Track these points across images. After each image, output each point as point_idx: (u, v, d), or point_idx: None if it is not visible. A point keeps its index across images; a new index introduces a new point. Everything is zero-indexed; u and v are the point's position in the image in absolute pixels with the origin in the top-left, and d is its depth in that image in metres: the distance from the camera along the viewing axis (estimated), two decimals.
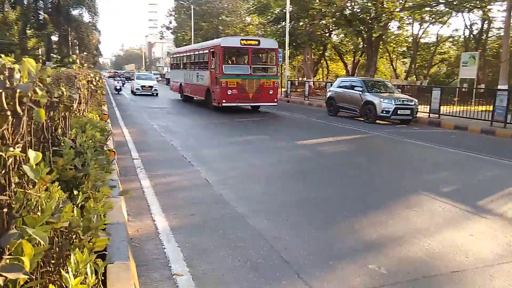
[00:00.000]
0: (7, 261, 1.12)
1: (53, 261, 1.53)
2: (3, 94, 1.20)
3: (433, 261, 3.72)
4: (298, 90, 30.97)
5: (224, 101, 16.11)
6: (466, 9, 26.59)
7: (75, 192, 2.06)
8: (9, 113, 1.26)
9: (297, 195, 5.77)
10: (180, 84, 22.68)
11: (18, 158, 1.32)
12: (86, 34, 31.88)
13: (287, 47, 27.41)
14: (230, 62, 17.99)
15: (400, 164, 8.32)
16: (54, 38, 30.26)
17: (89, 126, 3.58)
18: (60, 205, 1.48)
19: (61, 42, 30.23)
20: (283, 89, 28.51)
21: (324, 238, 4.23)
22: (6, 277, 1.11)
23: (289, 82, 27.53)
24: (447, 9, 27.36)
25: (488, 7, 25.85)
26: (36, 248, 1.23)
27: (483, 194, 5.97)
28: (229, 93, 16.08)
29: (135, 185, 5.96)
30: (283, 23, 30.92)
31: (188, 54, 21.82)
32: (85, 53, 35.06)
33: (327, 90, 19.30)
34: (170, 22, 58.09)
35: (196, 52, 20.02)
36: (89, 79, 7.44)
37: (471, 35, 31.64)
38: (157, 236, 4.17)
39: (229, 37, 23.61)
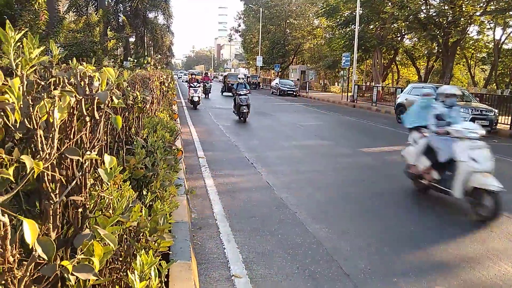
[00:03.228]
0: (79, 260, 1.19)
1: (120, 259, 1.61)
2: (83, 101, 1.27)
3: None
4: (365, 95, 30.07)
5: None
6: None
7: (144, 192, 2.15)
8: (87, 118, 1.34)
9: (359, 205, 5.58)
10: None
11: (93, 161, 1.40)
12: (160, 36, 33.47)
13: (355, 51, 26.74)
14: None
15: None
16: (131, 39, 32.20)
17: (160, 127, 3.74)
18: (130, 205, 1.55)
19: (138, 43, 32.07)
20: (349, 94, 27.84)
21: (387, 252, 4.04)
22: (77, 277, 1.18)
23: (356, 86, 26.82)
24: None
25: None
26: (105, 247, 1.29)
27: None
28: None
29: (199, 184, 6.14)
30: (352, 26, 30.22)
31: None
32: (159, 56, 36.80)
33: (397, 97, 18.52)
34: (239, 25, 59.39)
35: None
36: (162, 80, 7.79)
37: None
38: (218, 235, 4.25)
39: None
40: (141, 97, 2.50)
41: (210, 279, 3.30)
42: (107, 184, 1.45)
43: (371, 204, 5.64)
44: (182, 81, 50.73)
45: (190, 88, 18.29)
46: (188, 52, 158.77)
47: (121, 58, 28.43)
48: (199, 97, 18.27)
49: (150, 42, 35.38)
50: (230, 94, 26.48)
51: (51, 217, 1.22)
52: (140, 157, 2.39)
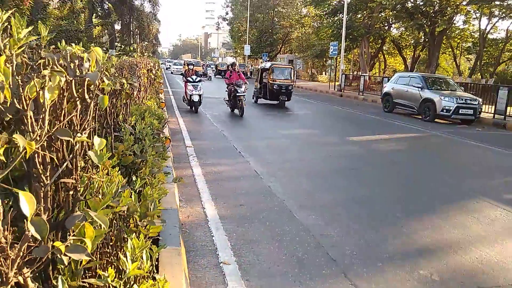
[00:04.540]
0: (71, 242, 1.20)
1: (111, 243, 1.62)
2: (73, 82, 1.27)
3: (491, 272, 3.51)
4: (352, 84, 30.21)
5: None
6: None
7: (134, 178, 2.16)
8: (77, 100, 1.33)
9: (346, 193, 5.66)
10: None
11: (83, 144, 1.40)
12: (146, 24, 33.03)
13: (343, 40, 26.78)
14: None
15: (459, 166, 7.89)
16: (117, 27, 31.70)
17: (147, 114, 3.73)
18: (120, 190, 1.56)
19: (124, 31, 31.61)
20: (336, 83, 27.95)
21: (373, 238, 4.12)
22: (70, 257, 1.19)
23: (343, 75, 26.93)
24: None
25: None
26: (96, 230, 1.30)
27: None
28: None
29: (187, 172, 6.14)
30: (340, 15, 30.18)
31: None
32: (145, 42, 36.26)
33: (383, 86, 18.66)
34: (227, 13, 58.95)
35: None
36: (149, 67, 7.71)
37: None
38: (206, 223, 4.27)
39: None
40: (128, 83, 2.49)
41: (198, 266, 3.33)
42: (97, 167, 1.46)
43: (357, 191, 5.73)
44: (172, 72, 42.80)
45: (188, 84, 13.54)
46: (175, 41, 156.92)
47: (107, 45, 27.99)
48: (200, 95, 13.32)
49: (136, 30, 34.90)
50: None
51: (42, 199, 1.23)
52: (128, 144, 2.39)
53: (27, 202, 1.02)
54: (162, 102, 8.89)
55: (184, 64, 39.23)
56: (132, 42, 31.35)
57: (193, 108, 13.52)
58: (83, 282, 1.40)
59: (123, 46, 29.02)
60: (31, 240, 1.08)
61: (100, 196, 1.49)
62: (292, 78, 16.71)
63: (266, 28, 48.92)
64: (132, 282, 1.52)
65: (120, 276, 1.48)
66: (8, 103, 1.10)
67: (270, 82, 15.83)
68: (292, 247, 3.81)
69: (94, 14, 27.16)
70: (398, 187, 6.13)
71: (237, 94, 12.69)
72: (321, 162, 7.48)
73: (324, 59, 41.41)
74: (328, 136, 10.48)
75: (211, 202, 4.93)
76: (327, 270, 3.41)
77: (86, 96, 1.38)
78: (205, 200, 4.99)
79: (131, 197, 1.67)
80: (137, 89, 4.06)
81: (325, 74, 43.49)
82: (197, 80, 13.43)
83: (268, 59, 47.41)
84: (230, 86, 13.25)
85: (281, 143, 9.02)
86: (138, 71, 5.09)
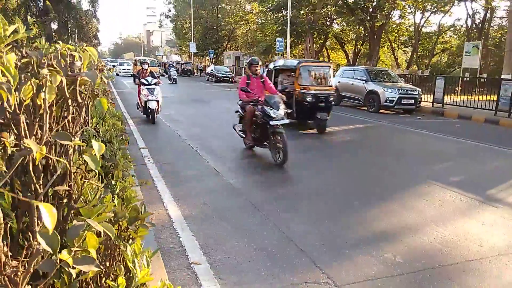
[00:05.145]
0: (79, 254, 1.11)
1: (106, 252, 1.53)
2: (65, 81, 1.17)
3: (448, 250, 3.74)
4: None
5: None
6: None
7: (113, 182, 2.06)
8: (70, 102, 1.24)
9: (306, 185, 5.77)
10: None
11: (75, 147, 1.31)
12: (86, 23, 31.50)
13: (288, 36, 27.20)
14: None
15: (406, 153, 8.32)
16: (54, 26, 29.94)
17: (108, 115, 3.57)
18: (102, 195, 1.47)
19: (61, 31, 29.91)
20: None
21: (337, 227, 4.24)
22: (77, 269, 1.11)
23: None
24: None
25: None
26: (98, 239, 1.22)
27: (492, 183, 5.98)
28: None
29: (145, 174, 5.94)
30: (284, 11, 30.61)
31: None
32: (85, 43, 34.56)
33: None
34: (169, 10, 57.58)
35: None
36: (101, 67, 7.34)
37: (473, 25, 31.41)
38: (171, 225, 4.18)
39: None
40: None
41: (169, 269, 3.24)
42: (90, 173, 1.37)
43: (316, 183, 5.86)
44: (118, 74, 36.51)
45: (142, 88, 10.80)
46: (116, 40, 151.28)
47: None
48: (157, 102, 10.74)
49: (74, 29, 33.21)
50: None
51: (35, 210, 1.13)
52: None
53: (48, 215, 0.92)
54: (112, 102, 8.55)
55: (135, 64, 34.99)
56: (70, 42, 29.80)
57: (150, 117, 10.86)
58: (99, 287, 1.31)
59: None
60: (42, 254, 0.99)
61: (83, 203, 1.41)
62: (331, 84, 10.95)
63: (211, 25, 48.53)
64: None
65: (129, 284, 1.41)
66: (12, 107, 0.99)
67: (300, 91, 10.17)
68: (260, 241, 3.83)
69: (29, 13, 25.48)
70: (352, 176, 6.35)
71: (271, 124, 6.64)
72: None
73: (271, 55, 41.85)
74: None
75: (173, 202, 4.81)
76: (297, 261, 3.46)
77: (79, 98, 1.29)
78: (166, 201, 4.86)
79: (113, 201, 1.59)
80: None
81: None
82: (153, 82, 10.83)
83: (214, 56, 47.06)
84: (251, 108, 7.17)
85: (237, 141, 8.99)
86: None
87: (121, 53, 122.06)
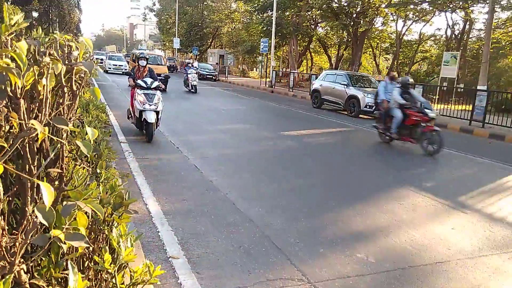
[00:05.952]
0: (70, 230, 1.17)
1: (91, 234, 1.58)
2: (63, 70, 1.22)
3: (418, 252, 3.90)
4: (282, 81, 31.04)
5: None
6: (449, 9, 27.06)
7: (98, 170, 2.10)
8: (66, 89, 1.28)
9: (285, 184, 5.88)
10: None
11: (68, 133, 1.35)
12: (67, 12, 30.94)
13: (273, 37, 27.38)
14: None
15: (382, 158, 8.54)
16: (34, 14, 29.30)
17: (92, 107, 3.57)
18: (88, 182, 1.52)
19: (42, 20, 29.30)
20: (267, 79, 28.51)
21: (313, 226, 4.36)
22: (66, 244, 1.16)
23: (274, 72, 27.56)
24: (431, 8, 27.79)
25: (471, 8, 26.41)
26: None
27: (462, 190, 6.22)
28: None
29: (124, 168, 5.94)
30: (270, 12, 30.78)
31: None
32: (65, 32, 33.86)
33: (312, 83, 19.45)
34: (154, 4, 57.14)
35: None
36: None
37: (453, 35, 32.28)
38: (150, 219, 4.21)
39: None
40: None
41: None
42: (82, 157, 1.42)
43: (295, 183, 5.98)
44: (107, 71, 30.07)
45: (137, 92, 7.92)
46: (98, 31, 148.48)
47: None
48: (158, 113, 7.95)
49: (56, 18, 32.56)
50: None
51: (29, 189, 1.17)
52: (82, 136, 2.30)
53: (47, 193, 0.98)
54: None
55: (132, 59, 24.67)
56: (51, 32, 29.14)
57: (144, 131, 8.05)
58: (84, 267, 1.36)
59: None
60: (39, 227, 1.04)
61: (72, 187, 1.46)
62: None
63: (196, 22, 48.28)
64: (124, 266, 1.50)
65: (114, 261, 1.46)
66: (17, 91, 1.04)
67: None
68: (238, 238, 3.90)
69: (10, 1, 24.85)
70: (330, 177, 6.50)
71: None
72: (258, 155, 7.66)
73: (255, 55, 41.98)
74: (263, 130, 10.72)
75: (153, 197, 4.84)
76: (273, 258, 3.55)
77: (74, 86, 1.34)
78: (146, 196, 4.88)
79: (98, 188, 1.64)
80: None
81: (256, 70, 44.10)
82: (152, 85, 7.94)
83: (198, 53, 46.80)
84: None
85: (219, 138, 9.06)
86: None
87: (103, 45, 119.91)
